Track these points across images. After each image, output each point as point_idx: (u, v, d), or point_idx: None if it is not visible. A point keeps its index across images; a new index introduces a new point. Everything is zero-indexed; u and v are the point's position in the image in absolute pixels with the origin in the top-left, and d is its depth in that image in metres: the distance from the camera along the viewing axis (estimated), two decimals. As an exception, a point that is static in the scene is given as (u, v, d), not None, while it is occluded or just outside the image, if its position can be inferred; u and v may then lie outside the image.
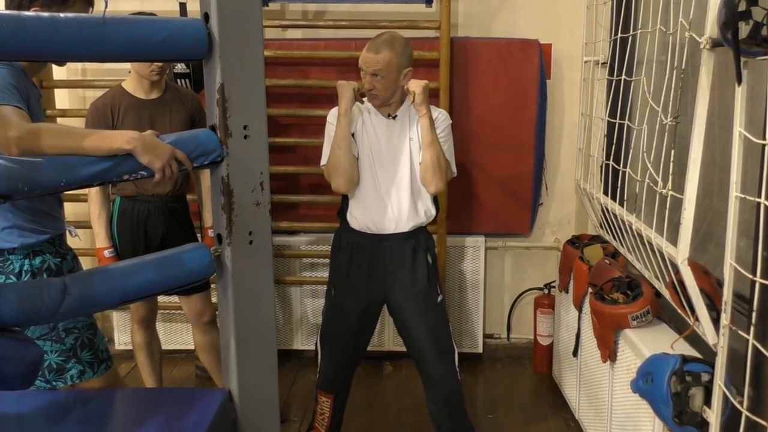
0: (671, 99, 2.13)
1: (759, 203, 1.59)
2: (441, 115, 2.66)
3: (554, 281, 3.58)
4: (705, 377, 1.93)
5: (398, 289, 2.68)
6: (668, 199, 2.09)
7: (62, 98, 3.84)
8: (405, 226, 2.63)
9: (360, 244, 2.67)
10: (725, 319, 1.74)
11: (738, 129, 1.63)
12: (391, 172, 2.61)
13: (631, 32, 2.75)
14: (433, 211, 2.69)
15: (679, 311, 2.14)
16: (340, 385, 2.82)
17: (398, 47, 2.53)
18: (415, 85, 2.52)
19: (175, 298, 3.48)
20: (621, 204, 2.70)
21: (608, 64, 3.15)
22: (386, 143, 2.61)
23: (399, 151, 2.60)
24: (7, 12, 1.38)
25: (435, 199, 2.69)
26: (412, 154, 2.61)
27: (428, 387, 2.75)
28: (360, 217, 2.65)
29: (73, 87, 3.86)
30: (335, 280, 2.76)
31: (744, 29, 1.50)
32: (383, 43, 2.53)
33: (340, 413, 2.87)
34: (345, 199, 2.70)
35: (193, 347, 3.38)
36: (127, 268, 1.65)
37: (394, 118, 2.62)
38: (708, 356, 1.98)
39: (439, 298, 2.71)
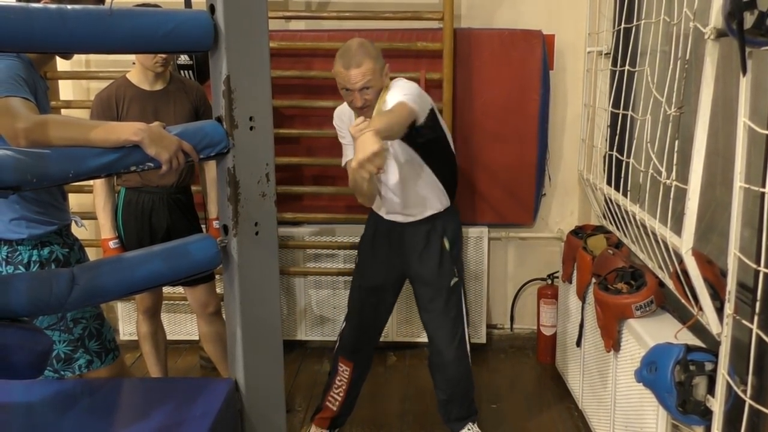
0: (675, 89, 2.13)
1: (763, 193, 1.60)
2: (400, 83, 2.49)
3: (557, 272, 3.58)
4: (709, 366, 1.94)
5: (413, 274, 2.76)
6: (672, 189, 2.10)
7: (66, 89, 3.85)
8: (418, 217, 2.69)
9: (380, 222, 2.76)
10: (729, 308, 1.75)
11: (742, 119, 1.64)
12: (394, 173, 2.62)
13: (634, 22, 2.75)
14: (447, 200, 2.72)
15: (683, 301, 2.15)
16: (358, 356, 2.88)
17: (372, 51, 2.45)
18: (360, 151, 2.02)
19: (179, 289, 3.50)
20: (624, 194, 2.70)
21: (611, 55, 3.14)
22: None
23: (400, 149, 2.58)
24: (15, 4, 1.39)
25: (449, 189, 2.72)
26: (398, 152, 2.58)
27: (436, 374, 2.78)
28: (375, 208, 2.73)
29: (78, 78, 3.86)
30: (361, 248, 2.88)
31: (749, 19, 1.50)
32: (358, 54, 2.41)
33: (356, 391, 2.92)
34: None
35: (197, 338, 3.40)
36: (134, 258, 1.66)
37: None
38: (712, 345, 1.99)
39: (453, 281, 2.73)
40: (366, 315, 2.87)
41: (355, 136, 2.09)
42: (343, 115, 2.69)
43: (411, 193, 2.65)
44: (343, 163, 2.74)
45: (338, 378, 2.88)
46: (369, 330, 2.91)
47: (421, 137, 2.50)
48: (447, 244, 2.72)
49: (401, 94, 2.39)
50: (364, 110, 2.48)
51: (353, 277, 2.93)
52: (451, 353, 2.73)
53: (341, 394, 2.87)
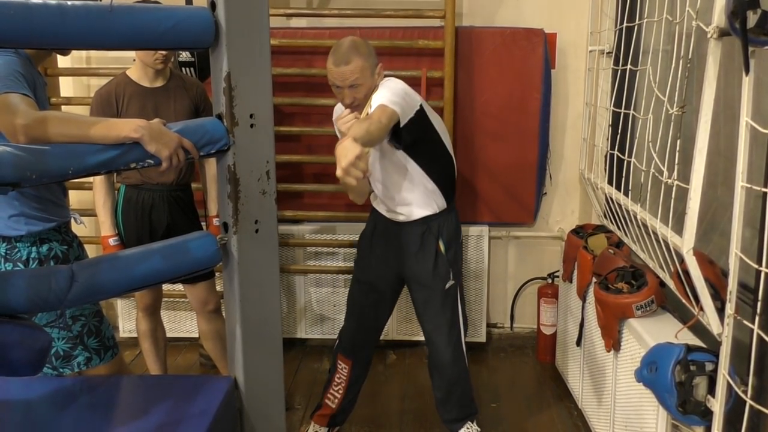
0: (677, 89, 2.12)
1: (764, 193, 1.59)
2: (387, 84, 2.48)
3: (558, 271, 3.58)
4: (709, 366, 1.93)
5: (408, 274, 2.75)
6: (673, 188, 2.09)
7: (66, 86, 3.84)
8: (410, 217, 2.68)
9: (379, 220, 2.77)
10: (730, 308, 1.74)
11: (745, 119, 1.63)
12: (392, 171, 2.61)
13: (636, 21, 2.74)
14: (443, 201, 2.68)
15: (684, 301, 2.14)
16: (357, 354, 2.88)
17: (363, 50, 2.47)
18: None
19: (179, 286, 3.49)
20: (625, 194, 2.70)
21: (613, 54, 3.14)
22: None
23: (386, 149, 2.57)
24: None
25: (444, 190, 2.67)
26: (384, 151, 2.56)
27: (434, 373, 2.80)
28: (375, 204, 2.74)
29: (78, 75, 3.86)
30: (360, 243, 2.88)
31: (752, 18, 1.50)
32: (348, 52, 2.44)
33: (355, 389, 2.92)
34: None
35: (197, 335, 3.40)
36: (134, 256, 1.65)
37: None
38: (712, 346, 1.99)
39: (448, 284, 2.70)
40: (365, 313, 2.86)
41: (341, 130, 2.18)
42: (340, 112, 2.67)
43: (396, 194, 2.64)
44: None
45: (337, 375, 2.89)
46: (368, 329, 2.89)
47: (409, 136, 2.46)
48: (442, 247, 2.67)
49: (384, 96, 2.38)
50: (353, 108, 2.50)
51: (353, 273, 2.93)
52: (448, 354, 2.73)
53: (340, 392, 2.88)
